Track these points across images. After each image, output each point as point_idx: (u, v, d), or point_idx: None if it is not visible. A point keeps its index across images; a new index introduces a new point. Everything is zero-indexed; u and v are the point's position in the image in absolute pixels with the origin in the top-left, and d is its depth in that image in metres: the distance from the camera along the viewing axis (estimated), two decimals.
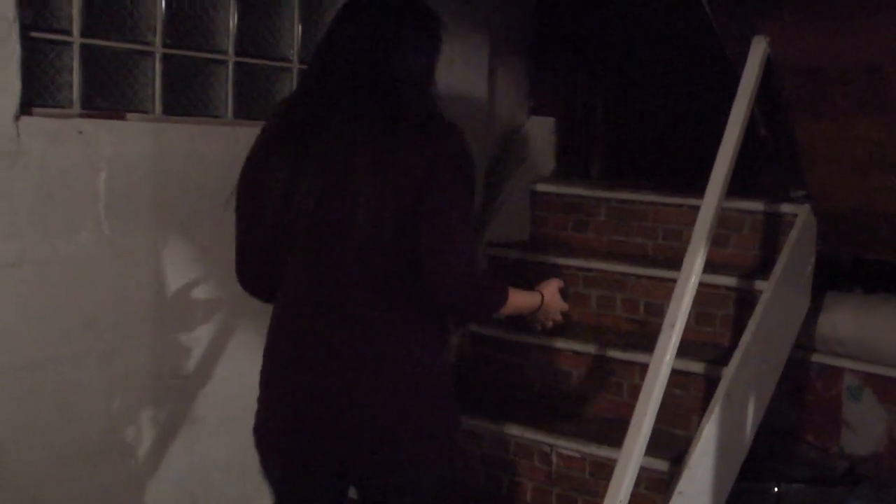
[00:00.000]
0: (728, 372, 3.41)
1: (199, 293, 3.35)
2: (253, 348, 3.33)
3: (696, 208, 3.31)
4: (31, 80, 2.88)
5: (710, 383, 3.53)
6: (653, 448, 3.16)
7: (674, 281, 3.21)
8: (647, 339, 3.51)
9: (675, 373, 3.42)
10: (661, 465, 3.37)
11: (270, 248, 2.42)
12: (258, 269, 2.49)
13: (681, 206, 4.18)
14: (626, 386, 3.77)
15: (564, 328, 4.01)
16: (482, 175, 4.46)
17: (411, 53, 2.38)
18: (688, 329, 3.37)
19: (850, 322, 4.24)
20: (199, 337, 3.39)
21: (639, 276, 4.06)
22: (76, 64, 3.02)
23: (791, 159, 3.75)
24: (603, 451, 3.48)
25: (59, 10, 2.97)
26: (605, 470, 3.42)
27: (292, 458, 2.48)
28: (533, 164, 4.76)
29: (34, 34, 2.89)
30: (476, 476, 3.84)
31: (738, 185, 3.61)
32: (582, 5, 4.82)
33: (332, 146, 2.30)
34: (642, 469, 3.09)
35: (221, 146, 3.32)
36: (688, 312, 3.14)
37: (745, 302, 3.79)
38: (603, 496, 3.01)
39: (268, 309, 2.53)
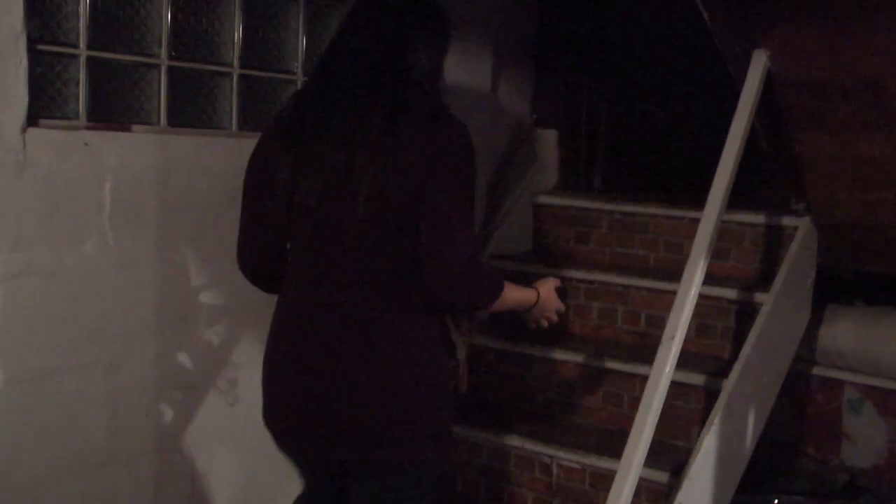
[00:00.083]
0: (728, 384, 3.42)
1: (204, 303, 3.37)
2: (257, 358, 3.35)
3: (698, 221, 3.32)
4: (38, 93, 2.90)
5: (711, 395, 3.54)
6: (653, 459, 3.18)
7: (674, 293, 3.23)
8: (647, 351, 3.52)
9: (675, 384, 3.44)
10: (661, 477, 3.39)
11: (272, 244, 2.48)
12: (258, 261, 2.54)
13: (682, 218, 4.19)
14: (627, 397, 3.79)
15: (564, 337, 4.05)
16: (485, 186, 4.48)
17: (419, 52, 2.41)
18: (689, 341, 3.39)
19: (850, 335, 4.25)
20: (204, 347, 3.40)
21: (640, 289, 4.08)
22: (82, 76, 3.04)
23: (792, 172, 3.77)
24: (603, 463, 3.50)
25: (66, 22, 2.99)
26: (605, 481, 3.44)
27: (293, 454, 2.57)
28: (536, 176, 4.78)
29: (41, 47, 2.91)
30: (477, 487, 3.85)
31: (739, 198, 3.64)
32: (585, 18, 4.84)
33: (333, 144, 2.33)
34: (642, 480, 3.11)
35: (226, 158, 3.34)
36: (687, 324, 3.15)
37: (746, 314, 3.80)
38: None
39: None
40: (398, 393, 2.38)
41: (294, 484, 2.72)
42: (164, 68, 3.26)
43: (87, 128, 3.02)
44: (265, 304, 2.65)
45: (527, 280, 2.79)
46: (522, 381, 4.08)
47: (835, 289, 4.39)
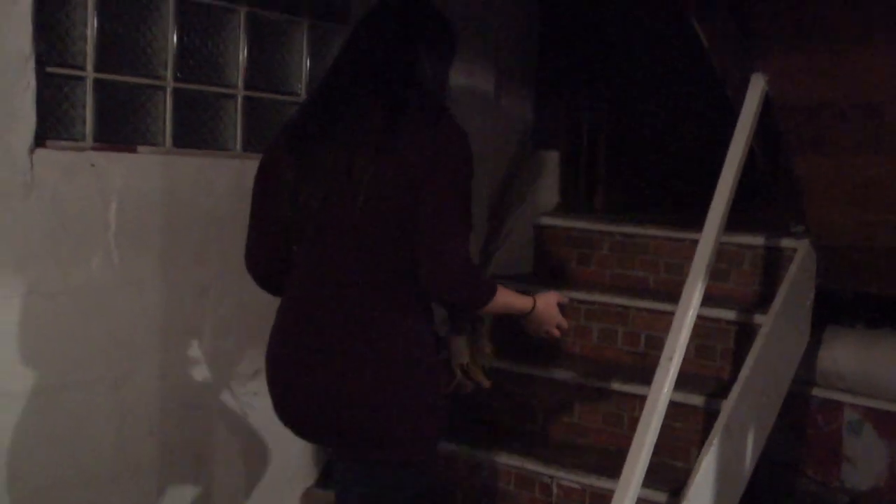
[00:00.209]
0: (727, 405, 3.43)
1: (208, 321, 3.40)
2: (262, 375, 3.39)
3: (698, 242, 3.35)
4: (46, 114, 2.94)
5: (710, 416, 3.55)
6: (652, 480, 3.19)
7: (674, 314, 3.25)
8: (647, 372, 3.52)
9: (675, 405, 3.46)
10: (660, 497, 3.39)
11: (276, 246, 2.56)
12: (264, 263, 2.62)
13: (682, 240, 4.21)
14: (627, 418, 3.80)
15: (565, 357, 4.07)
16: (487, 206, 4.52)
17: (424, 60, 2.47)
18: (688, 362, 3.41)
19: (850, 356, 4.25)
20: (208, 363, 3.43)
21: (640, 310, 4.09)
22: (89, 98, 3.08)
23: (790, 195, 3.79)
24: (603, 483, 3.50)
25: (74, 45, 3.03)
26: (604, 501, 3.44)
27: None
28: (537, 197, 4.81)
29: (49, 69, 2.95)
30: None
31: (739, 220, 3.66)
32: (586, 42, 4.87)
33: (335, 147, 2.39)
34: (641, 500, 3.12)
35: (230, 178, 3.39)
36: (686, 345, 3.17)
37: (745, 335, 3.81)
38: None
39: None
40: (396, 392, 2.44)
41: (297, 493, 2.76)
42: (169, 90, 3.30)
43: (94, 149, 3.06)
44: (269, 319, 2.68)
45: None
46: (523, 400, 4.09)
47: (835, 310, 4.41)
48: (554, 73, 4.85)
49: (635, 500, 3.02)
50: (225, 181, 3.38)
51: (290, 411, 2.56)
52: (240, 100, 3.54)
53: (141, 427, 3.25)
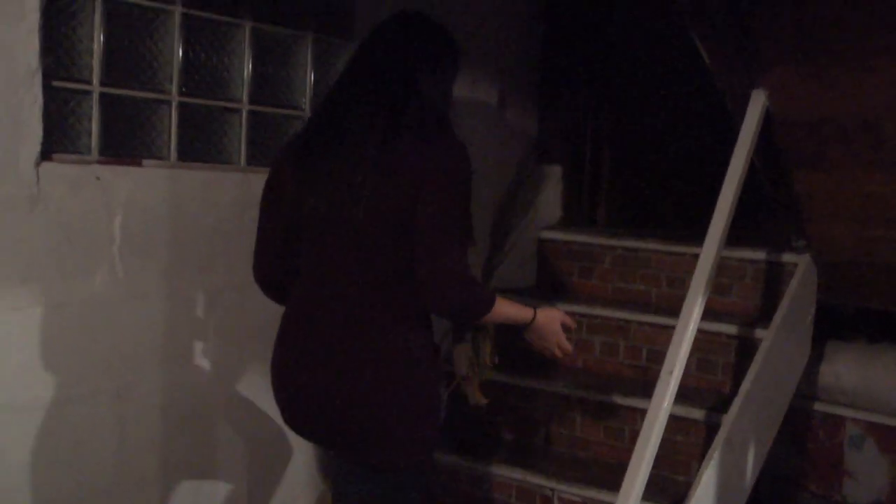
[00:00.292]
0: (728, 418, 3.44)
1: (211, 333, 3.42)
2: (265, 388, 3.40)
3: (699, 257, 3.36)
4: (52, 128, 2.95)
5: (711, 430, 3.57)
6: (653, 493, 3.22)
7: (675, 328, 3.27)
8: (648, 386, 3.53)
9: (676, 419, 3.48)
10: None
11: (283, 256, 2.63)
12: (271, 273, 2.69)
13: (683, 254, 4.24)
14: (628, 431, 3.82)
15: (567, 370, 4.08)
16: (490, 221, 4.54)
17: (427, 76, 2.53)
18: (690, 376, 3.42)
19: (852, 371, 4.27)
20: (211, 376, 3.44)
21: (641, 323, 4.12)
22: (95, 112, 3.09)
23: (791, 210, 3.80)
24: (603, 496, 3.52)
25: (80, 59, 3.05)
26: None
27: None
28: (540, 211, 4.83)
29: (56, 83, 2.96)
30: None
31: (742, 234, 3.67)
32: (588, 57, 4.90)
33: (338, 159, 2.45)
34: None
35: (235, 191, 3.41)
36: (686, 359, 3.18)
37: (747, 349, 3.83)
38: None
39: None
40: (395, 395, 2.49)
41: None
42: (174, 104, 3.32)
43: (99, 162, 3.08)
44: (273, 332, 2.72)
45: None
46: (525, 413, 4.11)
47: (837, 325, 4.42)
48: (557, 88, 4.88)
49: None
50: (229, 195, 3.40)
51: (295, 414, 2.62)
52: (244, 114, 3.56)
53: (144, 439, 3.26)
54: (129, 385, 3.18)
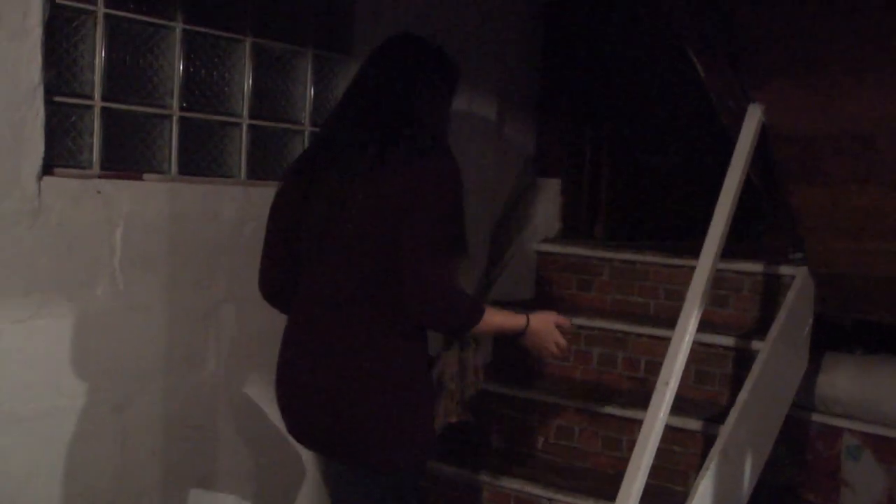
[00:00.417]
0: (725, 429, 3.46)
1: (212, 345, 3.44)
2: (265, 399, 3.43)
3: None
4: (54, 142, 2.98)
5: (708, 440, 3.59)
6: (651, 503, 3.23)
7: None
8: (646, 397, 3.54)
9: (673, 430, 3.50)
10: None
11: (282, 268, 2.73)
12: (272, 283, 2.79)
13: (681, 266, 4.26)
14: (625, 442, 3.84)
15: (565, 382, 4.10)
16: (489, 234, 4.56)
17: (424, 96, 2.63)
18: (687, 387, 3.43)
19: (849, 382, 4.29)
20: (212, 387, 3.46)
21: (639, 335, 4.14)
22: (97, 126, 3.12)
23: (788, 223, 3.83)
24: None
25: (82, 75, 3.08)
26: None
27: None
28: (538, 224, 4.86)
29: (57, 98, 2.99)
30: None
31: (739, 247, 3.69)
32: (587, 71, 4.93)
33: (334, 176, 2.55)
34: None
35: (235, 205, 3.44)
36: (682, 370, 3.20)
37: (744, 361, 3.85)
38: None
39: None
40: (388, 400, 2.56)
41: None
42: (175, 118, 3.35)
43: (101, 176, 3.10)
44: (273, 343, 2.78)
45: None
46: (523, 424, 4.14)
47: (834, 337, 4.44)
48: (555, 102, 4.91)
49: None
50: (229, 208, 3.43)
51: (295, 421, 2.70)
52: (244, 128, 3.58)
53: (144, 449, 3.28)
54: (129, 396, 3.20)
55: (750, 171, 3.51)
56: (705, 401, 3.94)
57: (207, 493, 3.50)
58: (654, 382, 3.23)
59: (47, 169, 2.93)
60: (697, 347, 3.31)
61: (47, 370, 2.99)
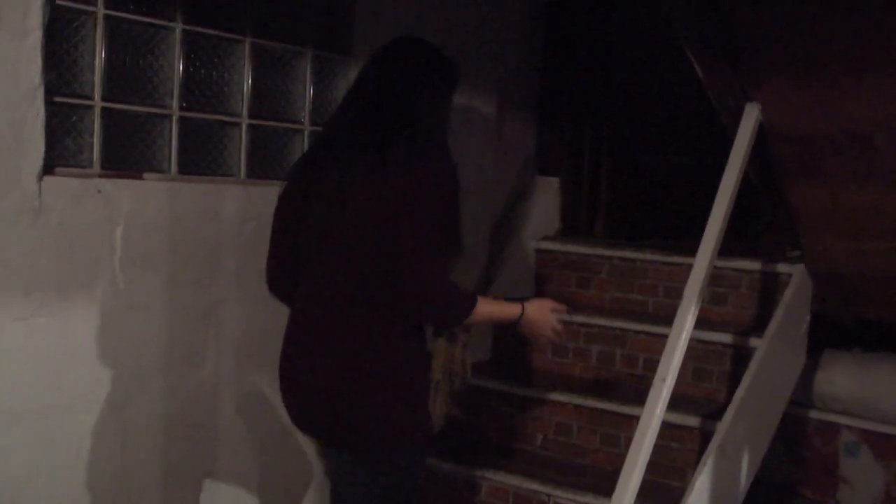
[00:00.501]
0: (722, 426, 3.48)
1: (212, 344, 3.46)
2: (266, 397, 3.45)
3: None
4: (54, 142, 3.00)
5: (706, 437, 3.60)
6: (648, 499, 3.25)
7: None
8: (644, 394, 3.56)
9: (671, 426, 3.52)
10: None
11: (286, 263, 2.77)
12: (277, 278, 2.83)
13: (680, 264, 4.28)
14: (624, 438, 3.85)
15: (564, 379, 4.11)
16: (489, 232, 4.58)
17: (424, 97, 2.66)
18: (685, 384, 3.44)
19: (847, 379, 4.30)
20: (212, 386, 3.48)
21: (638, 332, 4.16)
22: (97, 126, 3.13)
23: (786, 221, 3.84)
24: (599, 502, 3.55)
25: (82, 75, 3.09)
26: None
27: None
28: (538, 222, 4.87)
29: (58, 98, 3.01)
30: None
31: (738, 245, 3.70)
32: (587, 70, 4.94)
33: (335, 178, 2.59)
34: None
35: (235, 204, 3.46)
36: (679, 367, 3.22)
37: (741, 358, 3.87)
38: None
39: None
40: (377, 394, 2.59)
41: None
42: (175, 118, 3.36)
43: (101, 176, 3.12)
44: (273, 342, 2.81)
45: None
46: (522, 421, 4.15)
47: (833, 334, 4.45)
48: (555, 101, 4.92)
49: None
50: (229, 207, 3.44)
51: (298, 412, 2.74)
52: (244, 128, 3.60)
53: (145, 448, 3.30)
54: (129, 395, 3.21)
55: (749, 169, 3.51)
56: (703, 398, 3.96)
57: (208, 492, 3.52)
58: (653, 379, 3.24)
59: (48, 168, 2.94)
60: (695, 344, 3.32)
61: (48, 369, 3.00)
